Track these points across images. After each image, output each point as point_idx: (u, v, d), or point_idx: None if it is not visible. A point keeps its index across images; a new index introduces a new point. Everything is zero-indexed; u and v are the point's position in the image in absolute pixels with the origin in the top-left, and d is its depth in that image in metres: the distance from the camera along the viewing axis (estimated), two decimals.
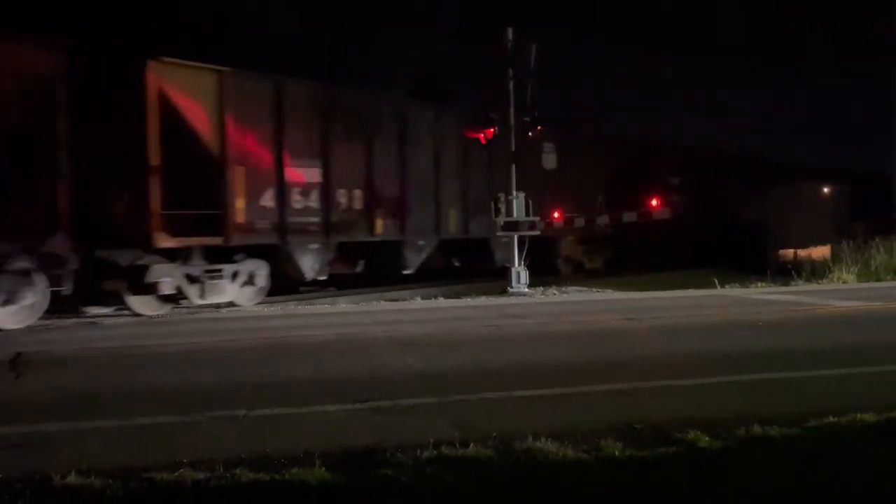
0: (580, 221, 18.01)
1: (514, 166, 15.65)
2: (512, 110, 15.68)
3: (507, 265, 17.06)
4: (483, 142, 15.81)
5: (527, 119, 15.67)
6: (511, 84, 15.64)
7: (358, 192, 14.79)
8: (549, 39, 17.17)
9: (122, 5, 20.07)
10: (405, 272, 16.12)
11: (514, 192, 15.58)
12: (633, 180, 21.30)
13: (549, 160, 17.89)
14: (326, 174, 14.17)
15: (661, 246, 22.49)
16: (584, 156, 20.26)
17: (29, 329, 10.29)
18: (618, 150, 22.29)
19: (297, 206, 13.66)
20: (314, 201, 13.98)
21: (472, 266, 18.33)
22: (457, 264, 18.34)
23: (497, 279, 17.17)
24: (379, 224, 15.19)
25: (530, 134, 15.83)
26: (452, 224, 16.93)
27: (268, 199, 13.20)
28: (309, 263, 13.93)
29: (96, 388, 6.41)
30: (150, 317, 11.50)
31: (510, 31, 15.52)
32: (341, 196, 14.52)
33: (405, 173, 15.78)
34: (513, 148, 15.69)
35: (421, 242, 16.24)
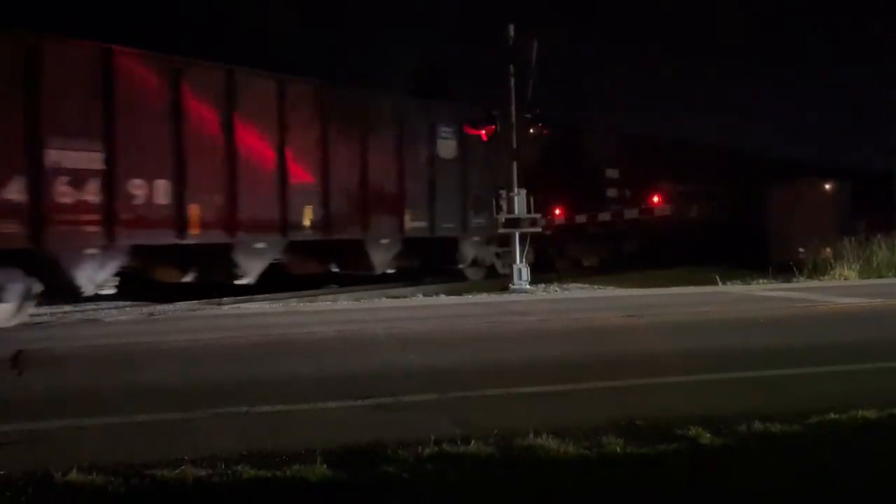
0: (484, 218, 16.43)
1: (515, 163, 15.61)
2: (513, 107, 15.67)
3: (390, 270, 15.54)
4: (485, 139, 15.78)
5: (528, 116, 15.67)
6: (512, 81, 15.63)
7: (162, 183, 11.97)
8: (549, 38, 16.89)
9: (122, 4, 20.06)
10: (238, 282, 13.46)
11: (516, 189, 15.56)
12: (556, 174, 19.70)
13: (447, 148, 16.04)
14: (112, 159, 11.35)
15: (595, 244, 21.60)
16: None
17: (30, 326, 10.29)
18: (548, 141, 19.57)
19: (65, 199, 10.90)
20: (92, 194, 11.19)
21: (348, 271, 15.76)
22: (335, 270, 15.72)
23: (382, 284, 15.37)
24: (194, 222, 12.39)
25: (532, 130, 15.82)
26: (308, 222, 14.14)
27: (15, 191, 10.48)
28: (86, 273, 11.21)
29: (97, 385, 6.42)
30: (151, 314, 11.50)
31: (511, 27, 15.51)
32: (136, 187, 11.69)
33: (234, 158, 12.90)
34: (514, 145, 15.67)
35: (260, 245, 13.48)
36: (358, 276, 15.70)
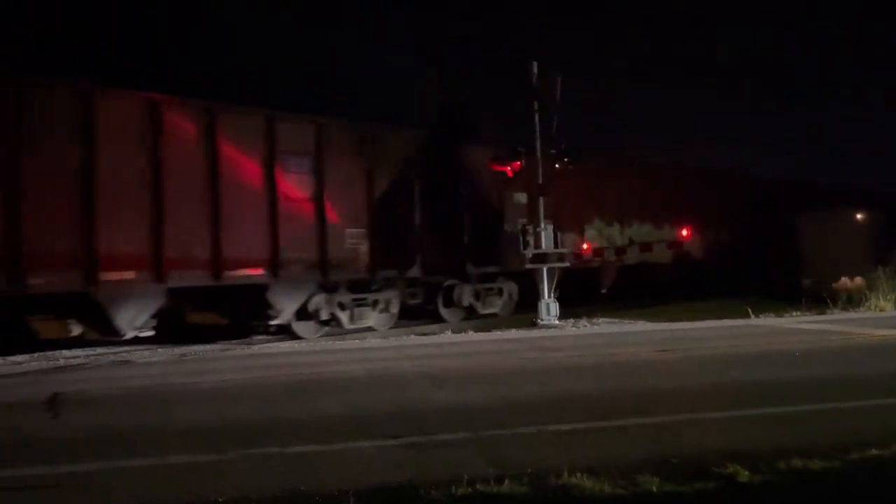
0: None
1: (541, 199, 15.65)
2: (538, 143, 15.76)
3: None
4: (510, 175, 15.87)
5: (553, 151, 15.74)
6: (536, 117, 15.74)
7: None
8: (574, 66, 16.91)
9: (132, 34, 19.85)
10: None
11: (543, 224, 15.56)
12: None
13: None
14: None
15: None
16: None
17: (64, 368, 10.41)
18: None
19: None
20: None
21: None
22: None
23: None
24: None
25: (557, 165, 15.88)
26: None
27: None
28: None
29: (130, 427, 6.45)
30: (182, 354, 11.58)
31: (535, 64, 15.66)
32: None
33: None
34: (540, 180, 15.72)
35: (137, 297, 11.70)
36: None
